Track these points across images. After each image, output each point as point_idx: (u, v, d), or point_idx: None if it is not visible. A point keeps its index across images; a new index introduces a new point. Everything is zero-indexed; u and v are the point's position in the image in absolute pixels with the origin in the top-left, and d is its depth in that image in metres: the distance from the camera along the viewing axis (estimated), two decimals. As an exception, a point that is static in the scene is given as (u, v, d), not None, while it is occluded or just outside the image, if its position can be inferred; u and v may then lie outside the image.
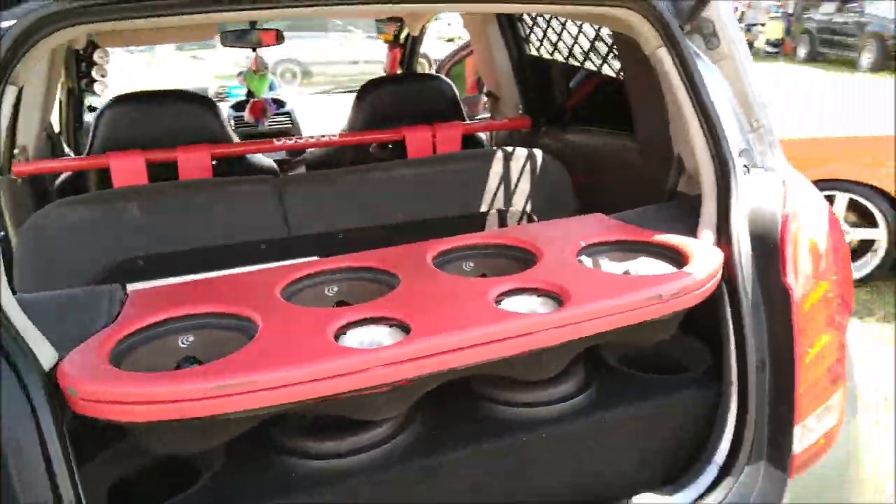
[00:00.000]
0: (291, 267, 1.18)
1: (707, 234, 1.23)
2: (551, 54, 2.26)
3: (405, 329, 0.96)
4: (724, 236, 1.20)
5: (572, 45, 2.13)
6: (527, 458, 1.10)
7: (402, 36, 3.27)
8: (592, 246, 1.23)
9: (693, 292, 1.07)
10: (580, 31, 2.05)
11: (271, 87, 3.55)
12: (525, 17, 2.28)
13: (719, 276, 1.14)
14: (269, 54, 3.42)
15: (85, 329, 0.95)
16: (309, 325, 0.96)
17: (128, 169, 1.75)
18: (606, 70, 2.10)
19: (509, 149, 1.89)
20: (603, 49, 2.07)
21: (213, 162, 1.86)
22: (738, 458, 1.14)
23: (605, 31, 1.98)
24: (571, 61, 2.18)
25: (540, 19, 2.23)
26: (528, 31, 2.31)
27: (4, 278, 0.89)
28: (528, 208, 1.89)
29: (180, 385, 0.82)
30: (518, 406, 1.13)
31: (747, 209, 1.21)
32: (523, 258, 1.20)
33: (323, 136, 2.17)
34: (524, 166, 1.89)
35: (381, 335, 0.96)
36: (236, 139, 2.09)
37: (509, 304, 1.04)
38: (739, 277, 1.15)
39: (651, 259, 1.21)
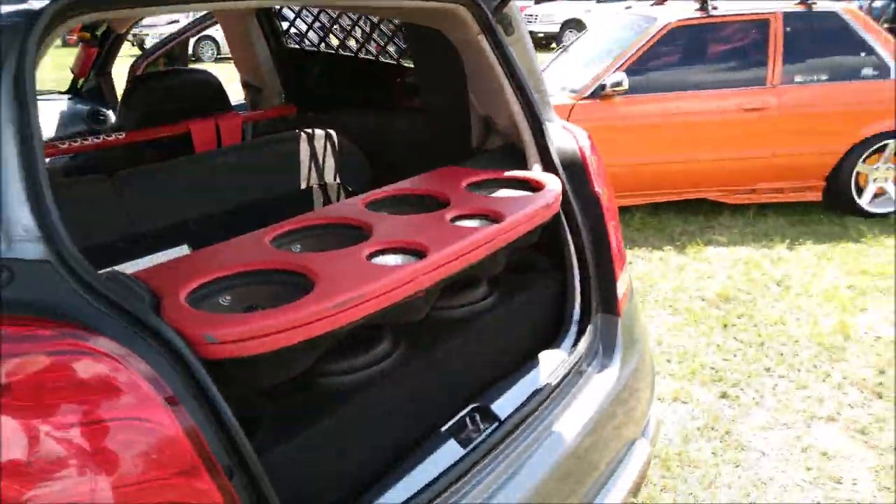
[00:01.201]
0: (259, 233, 1.31)
1: (537, 167, 1.72)
2: (317, 46, 2.52)
3: (413, 253, 1.22)
4: (549, 167, 1.71)
5: (345, 37, 2.43)
6: (476, 339, 1.46)
7: (100, 33, 3.09)
8: (472, 185, 1.62)
9: (558, 201, 1.55)
10: (355, 24, 2.37)
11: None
12: (286, 11, 2.50)
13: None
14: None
15: (141, 300, 0.98)
16: (344, 259, 1.16)
17: None
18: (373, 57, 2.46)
19: (309, 130, 2.13)
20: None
21: None
22: (589, 314, 1.67)
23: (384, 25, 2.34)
24: (342, 52, 2.49)
25: (305, 14, 2.47)
26: (288, 25, 2.53)
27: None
28: (338, 180, 2.17)
29: (306, 309, 0.97)
30: (465, 306, 1.48)
31: (555, 147, 1.74)
32: (436, 201, 1.52)
33: (108, 136, 2.08)
34: (325, 145, 2.16)
35: (400, 259, 1.21)
36: None
37: (463, 224, 1.38)
38: (568, 191, 1.67)
39: (514, 189, 1.65)
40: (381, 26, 2.34)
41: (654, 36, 4.85)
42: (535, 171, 1.70)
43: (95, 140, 2.05)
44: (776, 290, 3.94)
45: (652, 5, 5.84)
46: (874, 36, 4.88)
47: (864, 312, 3.64)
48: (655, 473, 2.44)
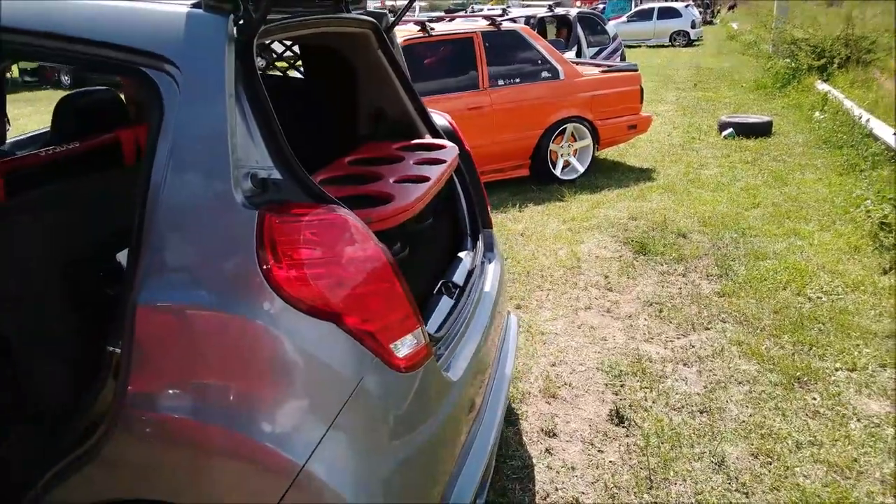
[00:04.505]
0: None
1: (429, 138, 2.63)
2: None
3: (420, 180, 2.04)
4: (437, 137, 2.63)
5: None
6: (430, 243, 2.33)
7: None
8: (399, 149, 2.46)
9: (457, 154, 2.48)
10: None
11: None
12: None
13: None
14: None
15: None
16: (391, 185, 1.94)
17: None
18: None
19: None
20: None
21: None
22: (478, 227, 2.64)
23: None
24: None
25: None
26: None
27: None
28: None
29: (407, 199, 1.76)
30: (421, 223, 2.33)
31: (439, 125, 2.67)
32: (393, 159, 2.33)
33: (51, 150, 2.42)
34: None
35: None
36: None
37: (426, 166, 2.22)
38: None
39: (426, 151, 2.52)
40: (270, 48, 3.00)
41: (390, 52, 5.99)
42: (429, 139, 2.61)
43: (40, 153, 2.38)
44: (521, 238, 5.36)
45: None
46: (544, 47, 6.70)
47: (583, 243, 5.22)
48: (500, 357, 3.52)
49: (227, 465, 1.45)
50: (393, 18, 2.56)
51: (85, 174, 2.20)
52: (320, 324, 1.46)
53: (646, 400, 3.16)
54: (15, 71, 17.35)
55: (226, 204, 1.43)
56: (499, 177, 6.61)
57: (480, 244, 2.58)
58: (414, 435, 1.60)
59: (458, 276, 2.32)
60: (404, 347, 1.61)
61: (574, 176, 6.88)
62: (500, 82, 6.42)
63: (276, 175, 1.52)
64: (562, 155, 6.84)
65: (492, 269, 2.57)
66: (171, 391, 1.47)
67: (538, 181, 6.78)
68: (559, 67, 6.65)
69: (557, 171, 6.80)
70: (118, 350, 1.48)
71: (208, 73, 1.46)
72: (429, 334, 1.79)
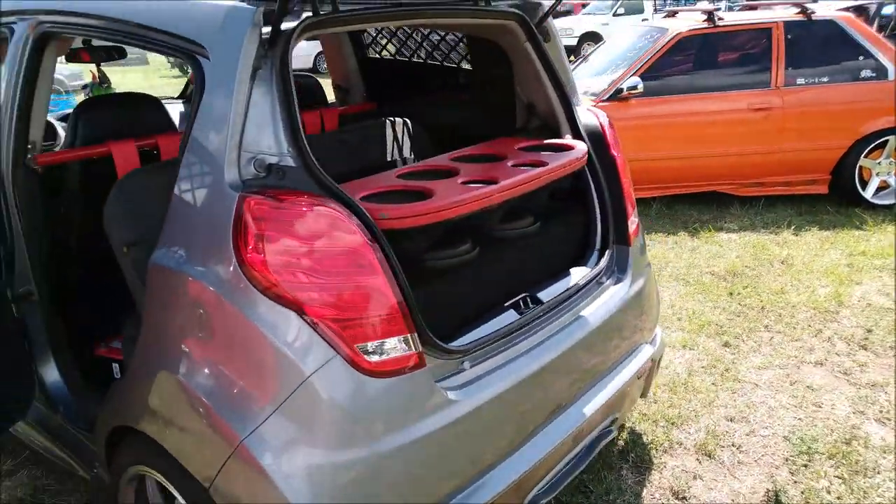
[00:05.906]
0: (389, 172, 2.06)
1: (568, 137, 2.47)
2: (394, 56, 3.34)
3: (489, 182, 1.96)
4: (578, 137, 2.45)
5: (417, 48, 3.24)
6: (527, 251, 2.20)
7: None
8: (522, 148, 2.37)
9: (585, 157, 2.29)
10: (426, 38, 3.16)
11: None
12: (370, 29, 3.31)
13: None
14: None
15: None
16: (448, 184, 1.91)
17: (125, 153, 2.30)
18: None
19: (392, 119, 2.91)
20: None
21: None
22: (607, 243, 2.40)
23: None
24: (411, 59, 3.29)
25: (384, 31, 3.28)
26: (370, 39, 3.35)
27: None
28: (412, 155, 2.95)
29: (434, 203, 1.72)
30: (518, 230, 2.22)
31: (582, 123, 2.48)
32: (498, 157, 2.27)
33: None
34: (403, 129, 2.94)
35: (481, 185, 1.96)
36: None
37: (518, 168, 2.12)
38: (592, 153, 2.41)
39: (553, 151, 2.38)
40: (444, 40, 3.13)
41: (665, 45, 5.62)
42: (567, 139, 2.45)
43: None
44: (780, 266, 4.64)
45: (664, 17, 6.63)
46: (872, 41, 5.61)
47: (859, 285, 4.32)
48: (664, 396, 3.14)
49: (192, 421, 1.62)
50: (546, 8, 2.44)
51: None
52: (281, 310, 1.52)
53: (828, 492, 2.55)
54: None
55: (216, 183, 1.57)
56: (784, 191, 5.78)
57: (605, 261, 2.35)
58: (377, 444, 1.57)
59: (549, 292, 2.15)
60: (384, 351, 1.58)
61: (892, 201, 5.69)
62: (800, 81, 5.56)
63: (288, 163, 1.60)
64: (877, 174, 5.69)
65: (610, 293, 2.32)
66: (164, 348, 1.67)
67: (838, 202, 5.76)
68: (889, 66, 5.52)
69: (868, 194, 5.68)
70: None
71: (227, 59, 1.60)
72: (440, 345, 1.73)
